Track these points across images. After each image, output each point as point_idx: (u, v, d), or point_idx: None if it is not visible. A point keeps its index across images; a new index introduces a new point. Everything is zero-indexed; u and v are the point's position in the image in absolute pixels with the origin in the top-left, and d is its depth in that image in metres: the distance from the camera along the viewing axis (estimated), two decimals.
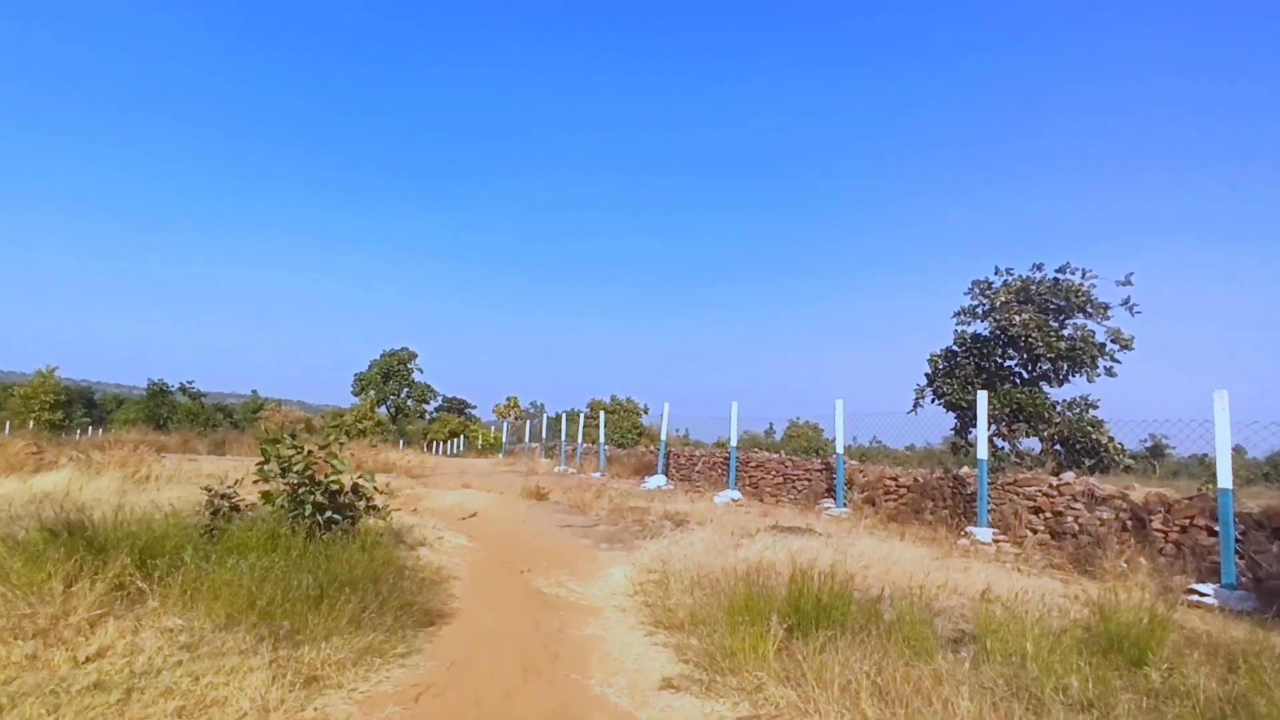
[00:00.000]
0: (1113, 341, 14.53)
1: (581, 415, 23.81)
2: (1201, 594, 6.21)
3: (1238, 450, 10.48)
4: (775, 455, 14.19)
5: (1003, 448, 14.61)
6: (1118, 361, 14.46)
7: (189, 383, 52.32)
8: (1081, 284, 14.83)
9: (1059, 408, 14.56)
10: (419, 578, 5.37)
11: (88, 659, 3.28)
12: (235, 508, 5.59)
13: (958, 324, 16.43)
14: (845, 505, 11.12)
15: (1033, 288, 15.31)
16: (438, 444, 44.12)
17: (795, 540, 7.27)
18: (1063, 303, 14.94)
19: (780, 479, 13.25)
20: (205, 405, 52.27)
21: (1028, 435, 14.53)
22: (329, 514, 5.57)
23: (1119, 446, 13.86)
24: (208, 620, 3.76)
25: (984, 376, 15.35)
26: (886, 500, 10.87)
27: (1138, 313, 14.44)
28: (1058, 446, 14.19)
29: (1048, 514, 8.51)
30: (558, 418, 25.79)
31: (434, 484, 14.35)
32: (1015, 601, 4.73)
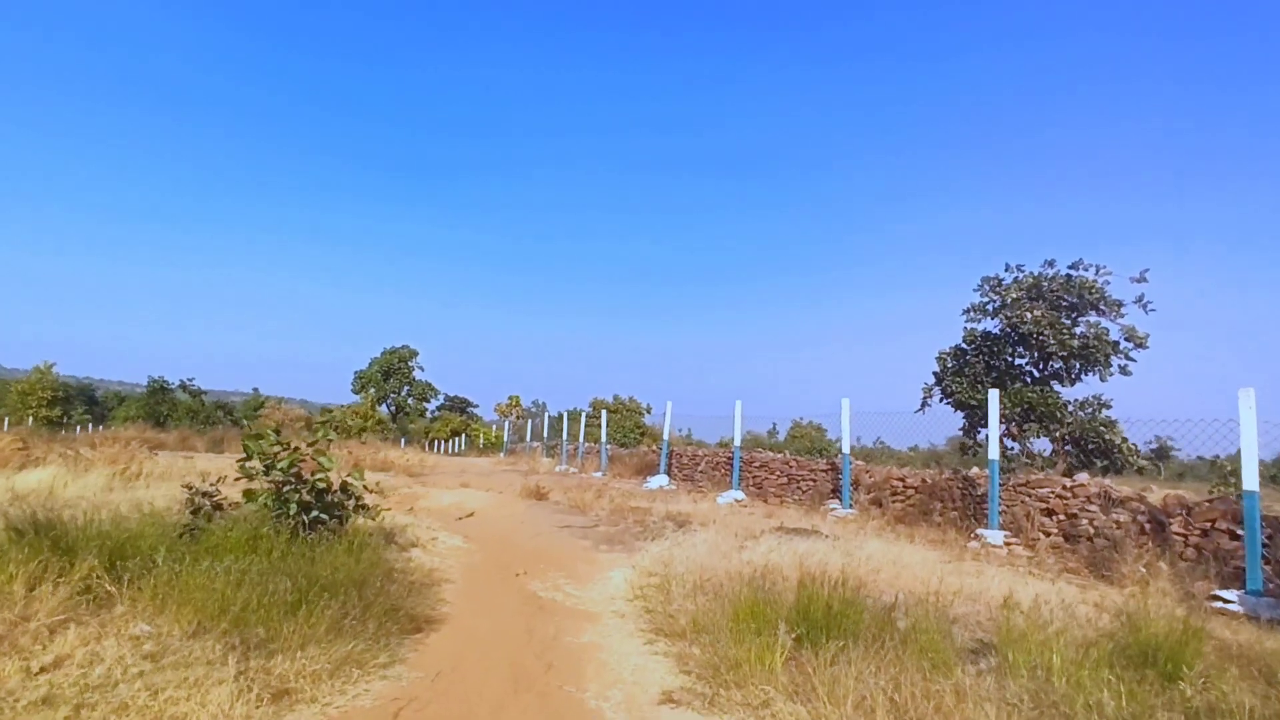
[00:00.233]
0: (1127, 339, 14.20)
1: (583, 414, 23.59)
2: (1226, 601, 5.95)
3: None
4: (779, 455, 13.95)
5: (1012, 448, 14.30)
6: (1132, 360, 14.13)
7: (189, 380, 52.21)
8: (1095, 280, 14.49)
9: (1071, 407, 14.24)
10: (408, 581, 5.14)
11: (42, 669, 3.04)
12: (218, 506, 5.36)
13: (967, 321, 16.12)
14: (851, 506, 10.86)
15: (1044, 284, 14.97)
16: (439, 443, 43.92)
17: (801, 542, 7.02)
18: (1075, 300, 14.60)
19: (784, 479, 13.00)
20: (206, 403, 52.09)
21: (1038, 435, 14.22)
22: (315, 513, 5.34)
23: (1133, 448, 13.54)
24: (176, 627, 3.51)
25: (994, 375, 15.03)
26: (894, 501, 10.62)
27: (1152, 310, 14.14)
28: (1069, 447, 13.88)
29: (1061, 516, 8.26)
30: (560, 417, 25.57)
31: (432, 483, 14.13)
32: (1035, 609, 4.47)
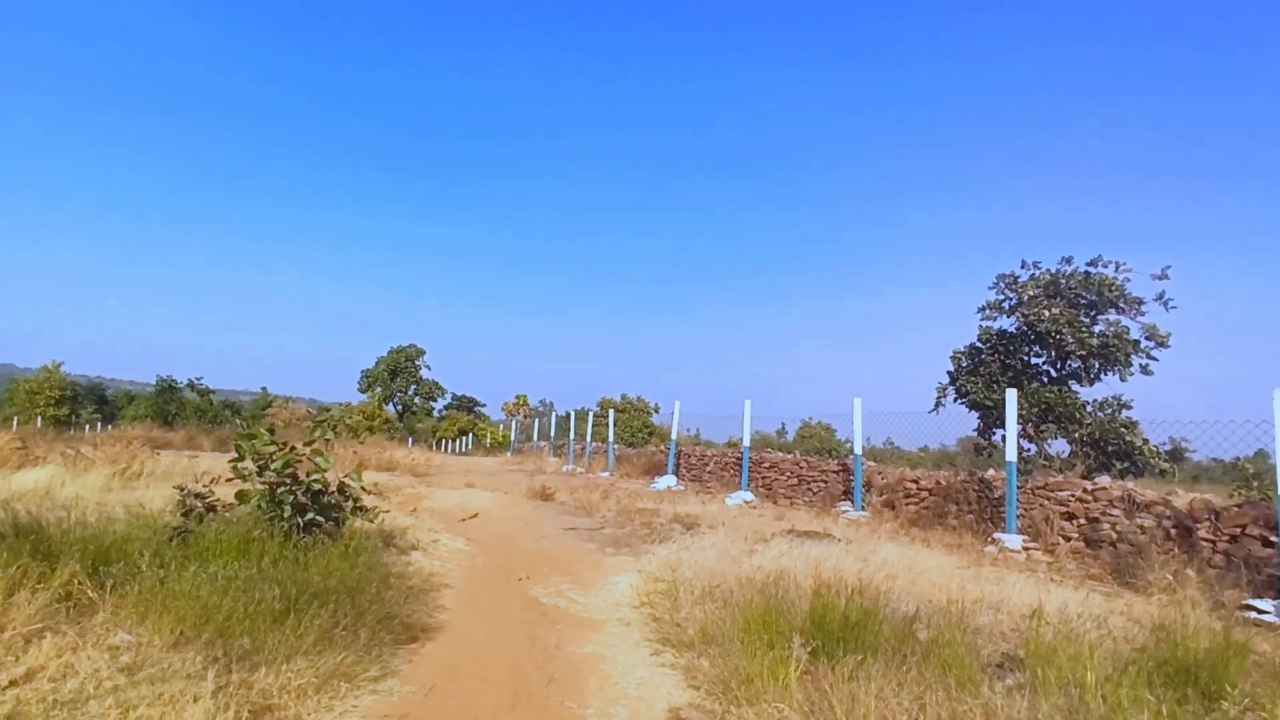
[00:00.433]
0: (1148, 338, 13.83)
1: (591, 414, 23.41)
2: (1261, 611, 5.68)
3: (1261, 454, 9.84)
4: (789, 456, 13.68)
5: (1029, 449, 13.97)
6: (1154, 359, 13.76)
7: (198, 379, 52.45)
8: (1115, 278, 14.11)
9: (1090, 408, 13.88)
10: (406, 586, 4.95)
11: (11, 683, 2.86)
12: (211, 508, 5.19)
13: (982, 319, 15.74)
14: (864, 509, 10.61)
15: (1062, 281, 14.58)
16: (446, 442, 43.83)
17: (813, 546, 6.78)
18: (1094, 297, 14.21)
19: (794, 480, 12.76)
20: (214, 402, 52.31)
21: (1056, 436, 13.86)
22: (311, 515, 5.16)
23: (1154, 449, 13.17)
24: (158, 637, 3.33)
25: (1010, 374, 14.67)
26: (907, 504, 10.36)
27: (1173, 308, 13.76)
28: (1088, 449, 13.52)
29: (1081, 520, 7.99)
30: (567, 416, 25.38)
31: (437, 483, 13.96)
32: (1063, 619, 4.23)
